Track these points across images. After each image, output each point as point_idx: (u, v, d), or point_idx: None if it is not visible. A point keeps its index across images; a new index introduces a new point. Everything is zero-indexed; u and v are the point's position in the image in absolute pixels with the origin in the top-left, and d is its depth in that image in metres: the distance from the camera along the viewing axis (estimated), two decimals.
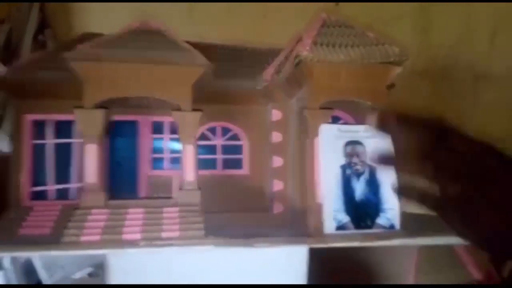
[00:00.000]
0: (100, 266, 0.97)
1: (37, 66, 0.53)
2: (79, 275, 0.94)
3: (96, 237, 0.41)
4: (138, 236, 0.42)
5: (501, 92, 1.23)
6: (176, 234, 0.43)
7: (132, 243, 0.41)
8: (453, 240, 0.51)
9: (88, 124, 0.46)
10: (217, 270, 0.56)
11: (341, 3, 1.22)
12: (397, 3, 1.25)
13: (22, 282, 0.93)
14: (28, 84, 0.52)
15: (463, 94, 1.24)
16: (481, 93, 1.24)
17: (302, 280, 0.61)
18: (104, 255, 0.51)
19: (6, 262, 0.92)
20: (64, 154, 0.53)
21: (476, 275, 0.75)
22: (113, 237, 0.42)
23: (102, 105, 0.47)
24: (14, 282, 0.90)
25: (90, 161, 0.46)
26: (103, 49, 0.47)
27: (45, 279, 0.97)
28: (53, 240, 0.41)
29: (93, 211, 0.44)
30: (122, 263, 0.52)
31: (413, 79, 1.19)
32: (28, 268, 1.00)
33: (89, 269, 0.97)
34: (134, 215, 0.45)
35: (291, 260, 0.58)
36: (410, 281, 0.85)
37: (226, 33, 1.05)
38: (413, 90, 1.20)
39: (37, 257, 0.96)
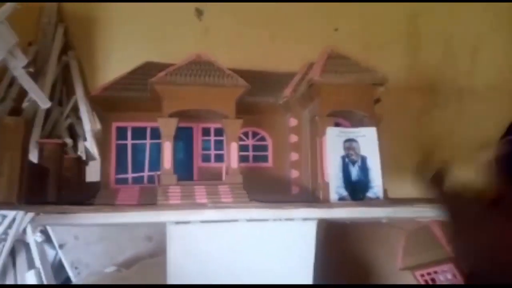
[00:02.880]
0: (122, 265, 1.18)
1: (118, 87, 0.77)
2: (107, 271, 1.15)
3: (178, 201, 0.65)
4: (205, 200, 0.65)
5: (483, 104, 1.48)
6: (231, 200, 0.66)
7: (203, 205, 0.65)
8: (426, 212, 0.74)
9: (166, 128, 0.70)
10: (247, 244, 0.78)
11: (340, 29, 1.47)
12: (389, 28, 1.50)
13: (51, 280, 1.13)
14: (113, 100, 0.76)
15: (449, 106, 1.48)
16: (464, 105, 1.49)
17: (312, 253, 0.82)
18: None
19: (37, 262, 1.13)
20: (139, 152, 0.78)
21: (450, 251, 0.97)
22: (189, 201, 0.65)
23: (173, 115, 0.71)
24: (44, 280, 1.11)
25: (166, 153, 0.69)
26: (174, 76, 0.71)
27: (73, 276, 1.18)
28: (149, 203, 0.65)
29: (170, 187, 0.68)
30: (179, 234, 0.74)
31: (405, 93, 1.44)
32: (57, 267, 1.21)
33: (113, 268, 1.17)
34: (199, 189, 0.68)
35: (302, 234, 0.80)
36: (398, 261, 1.07)
37: (237, 54, 1.28)
38: (406, 103, 1.45)
39: (65, 256, 1.17)
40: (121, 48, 1.34)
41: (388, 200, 0.71)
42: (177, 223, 0.72)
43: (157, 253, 1.18)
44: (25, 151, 0.62)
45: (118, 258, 1.17)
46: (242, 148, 0.81)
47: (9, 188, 0.59)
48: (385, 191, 0.72)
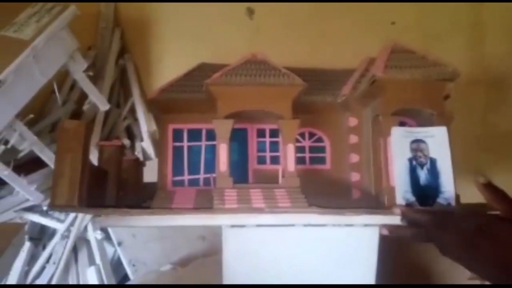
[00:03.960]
0: (177, 263, 1.19)
1: (174, 89, 0.76)
2: (164, 269, 1.17)
3: (234, 205, 0.62)
4: (262, 205, 0.62)
5: None
6: (288, 204, 0.63)
7: (260, 210, 0.62)
8: None
9: (221, 129, 0.67)
10: (304, 249, 0.74)
11: (396, 22, 1.39)
12: (450, 18, 1.39)
13: (111, 276, 1.16)
14: (170, 102, 0.75)
15: None
16: None
17: (373, 260, 0.77)
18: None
19: (97, 258, 1.16)
20: (194, 153, 0.76)
21: None
22: (246, 205, 0.62)
23: (228, 116, 0.69)
24: (104, 275, 1.13)
25: (222, 156, 0.67)
26: (229, 76, 0.68)
27: (131, 273, 1.20)
28: (206, 206, 0.62)
29: (226, 190, 0.65)
30: (234, 237, 0.72)
31: (469, 88, 1.33)
32: (116, 264, 1.23)
33: (169, 266, 1.18)
34: (255, 193, 0.65)
35: (363, 240, 0.75)
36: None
37: (290, 52, 1.24)
38: (470, 98, 1.34)
39: (123, 254, 1.19)
40: (174, 50, 1.36)
41: (461, 206, 0.64)
42: (233, 226, 0.70)
43: (210, 252, 1.18)
44: (86, 153, 0.62)
45: (174, 256, 1.19)
46: (299, 149, 0.77)
47: (71, 191, 0.60)
48: (457, 196, 0.65)
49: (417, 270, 0.99)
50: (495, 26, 1.39)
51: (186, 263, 1.16)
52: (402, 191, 0.64)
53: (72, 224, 1.15)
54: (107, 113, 1.29)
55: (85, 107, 1.22)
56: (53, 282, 1.11)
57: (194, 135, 0.76)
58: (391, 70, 0.66)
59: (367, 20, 1.35)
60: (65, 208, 0.60)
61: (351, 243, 0.74)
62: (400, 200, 0.63)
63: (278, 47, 1.28)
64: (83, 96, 1.24)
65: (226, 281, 0.74)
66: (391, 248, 0.81)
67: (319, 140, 0.79)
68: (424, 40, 1.33)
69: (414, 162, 0.65)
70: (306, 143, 0.79)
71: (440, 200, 0.64)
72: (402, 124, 0.68)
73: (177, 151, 0.75)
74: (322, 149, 0.79)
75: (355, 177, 0.76)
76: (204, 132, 0.76)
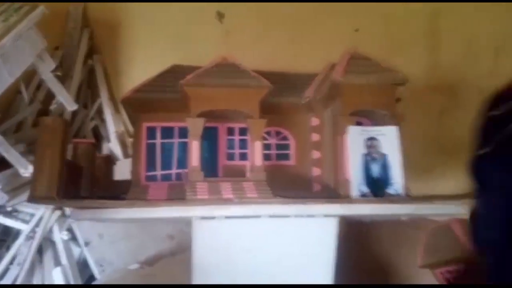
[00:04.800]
0: (145, 263, 1.23)
1: (148, 89, 0.82)
2: (132, 268, 1.20)
3: (206, 196, 0.69)
4: (231, 196, 0.70)
5: None
6: (255, 195, 0.70)
7: (230, 200, 0.69)
8: (448, 209, 0.77)
9: (193, 127, 0.74)
10: (269, 240, 0.81)
11: (360, 29, 1.50)
12: (410, 28, 1.52)
13: (77, 277, 1.18)
14: (144, 101, 0.81)
15: (470, 107, 1.49)
16: None
17: (332, 250, 0.85)
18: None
19: (63, 259, 1.19)
20: (167, 150, 0.83)
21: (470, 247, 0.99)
22: (216, 196, 0.69)
23: (200, 115, 0.76)
24: (70, 276, 1.16)
25: (194, 152, 0.74)
26: (202, 78, 0.76)
27: (97, 273, 1.23)
28: (178, 198, 0.69)
29: (197, 183, 0.72)
30: (204, 229, 0.79)
31: (425, 93, 1.45)
32: (82, 264, 1.26)
33: (136, 265, 1.22)
34: (225, 185, 0.73)
35: (323, 230, 0.83)
36: (419, 259, 1.09)
37: (258, 56, 1.31)
38: (426, 103, 1.46)
39: (90, 254, 1.22)
40: (144, 52, 1.39)
41: (409, 197, 0.74)
42: (203, 218, 0.77)
43: (178, 251, 1.22)
44: (64, 149, 0.67)
45: (141, 256, 1.22)
46: (265, 147, 0.84)
47: (50, 184, 0.65)
48: (407, 189, 0.75)
49: (374, 260, 1.09)
50: (450, 36, 1.53)
51: (153, 262, 1.20)
52: (357, 183, 0.74)
53: (37, 225, 1.17)
54: (74, 114, 1.31)
55: (52, 107, 1.24)
56: (18, 283, 1.12)
57: (167, 133, 0.83)
58: (349, 75, 0.76)
59: (333, 27, 1.45)
60: (45, 200, 0.65)
61: (312, 234, 0.82)
62: (355, 190, 0.73)
63: (248, 50, 1.35)
64: (50, 96, 1.26)
65: (195, 274, 0.80)
66: (349, 238, 0.90)
67: (285, 138, 0.88)
68: (385, 47, 1.44)
69: (368, 157, 0.75)
70: (273, 141, 0.87)
71: (390, 190, 0.74)
72: (358, 123, 0.78)
73: (151, 148, 0.82)
74: (287, 147, 0.87)
75: (316, 172, 0.85)
76: (176, 130, 0.83)
